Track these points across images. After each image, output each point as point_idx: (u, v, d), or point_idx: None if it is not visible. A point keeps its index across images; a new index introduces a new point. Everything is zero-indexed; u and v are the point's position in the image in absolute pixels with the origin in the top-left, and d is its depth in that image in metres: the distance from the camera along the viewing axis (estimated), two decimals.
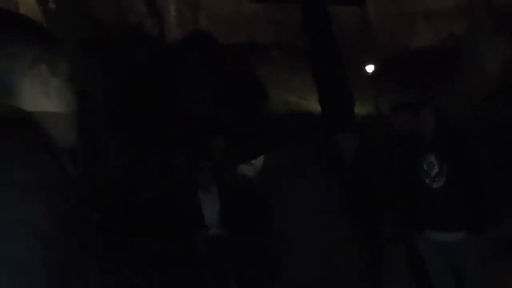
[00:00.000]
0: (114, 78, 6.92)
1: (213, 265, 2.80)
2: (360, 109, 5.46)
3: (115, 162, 4.00)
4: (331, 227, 1.03)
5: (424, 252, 2.09)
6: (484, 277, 1.95)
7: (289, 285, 1.01)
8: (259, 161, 1.26)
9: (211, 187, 2.86)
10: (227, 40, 10.27)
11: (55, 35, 0.68)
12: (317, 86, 5.39)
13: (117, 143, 4.38)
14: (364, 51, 13.90)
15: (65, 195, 0.51)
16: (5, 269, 0.46)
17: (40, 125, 0.59)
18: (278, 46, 13.45)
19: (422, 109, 2.02)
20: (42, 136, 0.56)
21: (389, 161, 2.33)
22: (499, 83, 9.24)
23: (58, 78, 0.62)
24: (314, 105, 7.36)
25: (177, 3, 13.32)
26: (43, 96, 0.61)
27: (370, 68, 13.41)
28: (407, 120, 2.32)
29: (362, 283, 1.03)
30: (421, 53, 14.31)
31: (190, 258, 2.80)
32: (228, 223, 2.79)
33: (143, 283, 2.63)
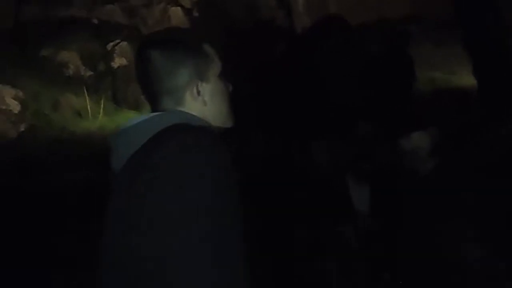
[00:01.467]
0: (254, 74, 7.41)
1: (364, 256, 2.78)
2: None
3: (258, 154, 4.26)
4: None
5: None
6: None
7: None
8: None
9: (361, 174, 2.86)
10: (359, 21, 9.95)
11: (204, 45, 0.91)
12: (470, 57, 4.82)
13: (260, 136, 4.70)
14: None
15: None
16: None
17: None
18: (416, 20, 12.36)
19: None
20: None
21: None
22: None
23: (209, 84, 0.87)
24: (466, 79, 6.60)
25: None
26: (201, 103, 0.87)
27: None
28: None
29: None
30: None
31: (339, 248, 2.83)
32: (380, 213, 2.75)
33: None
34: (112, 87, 10.68)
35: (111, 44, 11.57)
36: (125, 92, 11.28)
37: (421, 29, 11.80)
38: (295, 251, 2.91)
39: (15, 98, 7.17)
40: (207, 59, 0.89)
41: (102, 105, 8.13)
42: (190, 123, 0.82)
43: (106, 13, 12.52)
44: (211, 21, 13.80)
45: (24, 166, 5.18)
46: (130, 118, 0.96)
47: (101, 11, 12.43)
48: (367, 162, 2.77)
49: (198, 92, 0.88)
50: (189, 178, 0.70)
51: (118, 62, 11.87)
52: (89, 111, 7.96)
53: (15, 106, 6.97)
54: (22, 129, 6.89)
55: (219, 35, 12.04)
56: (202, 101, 0.89)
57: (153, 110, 0.88)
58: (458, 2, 4.81)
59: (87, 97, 8.31)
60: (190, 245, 0.66)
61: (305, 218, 2.84)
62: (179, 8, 14.19)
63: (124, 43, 12.05)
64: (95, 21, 11.69)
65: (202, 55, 0.88)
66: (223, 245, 0.67)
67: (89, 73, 10.84)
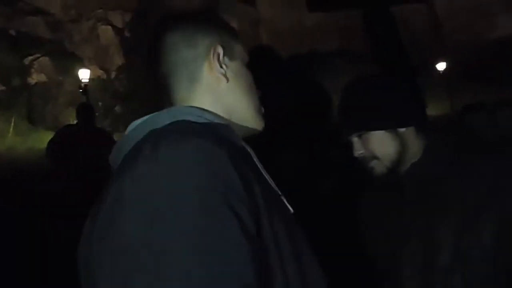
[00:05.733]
0: None
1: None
2: (433, 110, 5.14)
3: None
4: None
5: None
6: None
7: None
8: None
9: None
10: (289, 52, 10.36)
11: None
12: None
13: None
14: (435, 48, 13.13)
15: None
16: None
17: None
18: (341, 54, 13.26)
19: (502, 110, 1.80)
20: None
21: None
22: None
23: (234, 62, 0.66)
24: None
25: (239, 22, 13.73)
26: (221, 79, 0.64)
27: (441, 66, 12.65)
28: (482, 123, 2.11)
29: None
30: (499, 46, 13.13)
31: None
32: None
33: None
34: (28, 104, 9.85)
35: (30, 58, 10.76)
36: (43, 111, 10.46)
37: (346, 62, 12.69)
38: None
39: None
40: (234, 35, 0.67)
41: (12, 124, 7.37)
42: (193, 122, 0.58)
43: (27, 25, 11.69)
44: (143, 43, 13.62)
45: None
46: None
47: (21, 22, 11.59)
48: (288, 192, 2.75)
49: (219, 60, 0.63)
50: (160, 216, 0.48)
51: (36, 78, 11.01)
52: None
53: None
54: None
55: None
56: (223, 76, 0.64)
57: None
58: (373, 40, 5.20)
59: None
60: None
61: None
62: (109, 27, 13.80)
63: (45, 58, 11.25)
64: (13, 32, 10.83)
65: (225, 29, 0.67)
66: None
67: (1, 88, 9.92)
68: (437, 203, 0.87)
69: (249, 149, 0.62)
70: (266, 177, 0.61)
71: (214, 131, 0.57)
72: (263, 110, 0.71)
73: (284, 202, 0.62)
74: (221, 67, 0.63)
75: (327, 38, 13.99)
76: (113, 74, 11.60)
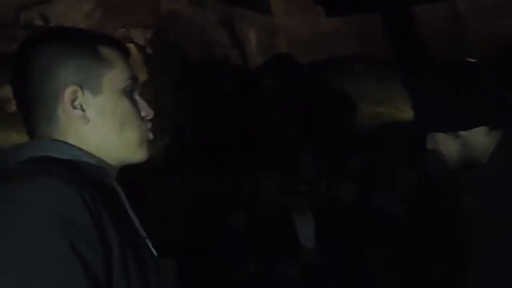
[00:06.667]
0: (204, 108, 7.37)
1: None
2: None
3: (205, 188, 4.15)
4: None
5: None
6: None
7: None
8: None
9: (306, 209, 2.83)
10: (308, 59, 10.35)
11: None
12: (409, 92, 5.12)
13: (206, 170, 4.59)
14: (458, 48, 12.80)
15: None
16: None
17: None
18: (361, 58, 13.15)
19: None
20: None
21: None
22: None
23: (100, 96, 0.59)
24: (408, 113, 6.95)
25: (257, 32, 13.87)
26: (79, 120, 0.59)
27: None
28: None
29: None
30: None
31: (285, 283, 2.76)
32: (325, 246, 2.72)
33: None
34: None
35: None
36: None
37: (366, 67, 12.55)
38: None
39: None
40: (100, 63, 0.60)
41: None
42: (54, 158, 0.54)
43: None
44: (165, 58, 13.91)
45: None
46: None
47: None
48: (307, 190, 2.77)
49: (73, 103, 0.58)
50: None
51: None
52: None
53: None
54: None
55: (173, 71, 12.14)
56: (82, 117, 0.59)
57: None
58: (394, 42, 5.16)
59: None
60: None
61: (250, 254, 2.76)
62: (132, 45, 14.21)
63: None
64: None
65: (91, 56, 0.59)
66: None
67: None
68: (488, 221, 0.83)
69: (118, 189, 0.59)
70: (133, 219, 0.59)
71: (72, 169, 0.53)
72: (150, 135, 0.66)
73: (148, 245, 0.60)
74: (74, 108, 0.58)
75: (346, 43, 13.90)
76: None
